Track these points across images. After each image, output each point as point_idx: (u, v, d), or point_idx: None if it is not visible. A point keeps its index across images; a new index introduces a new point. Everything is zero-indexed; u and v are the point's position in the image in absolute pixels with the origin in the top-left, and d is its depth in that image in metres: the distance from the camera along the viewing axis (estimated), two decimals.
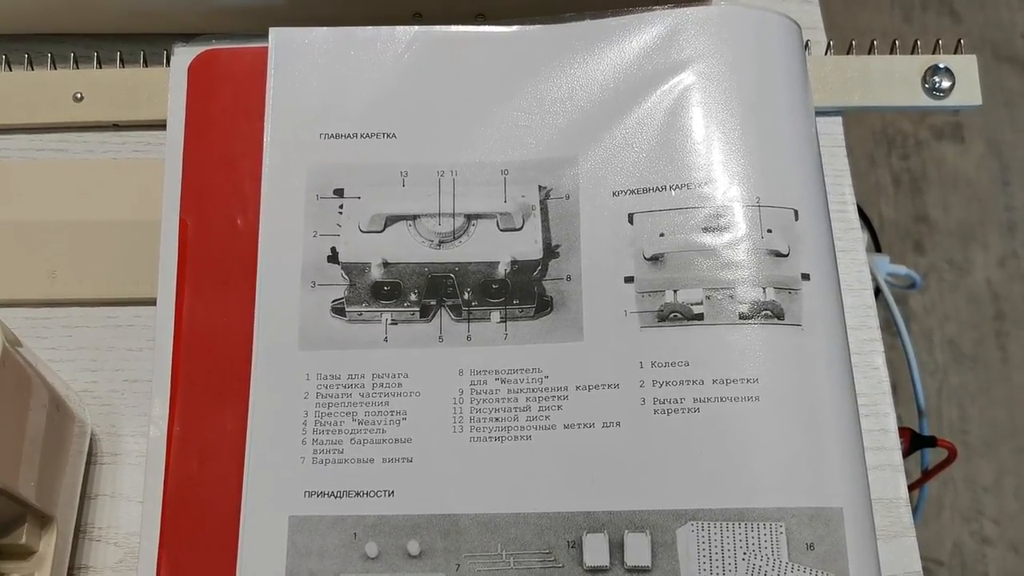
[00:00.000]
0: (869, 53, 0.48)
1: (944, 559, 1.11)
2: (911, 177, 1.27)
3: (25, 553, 0.36)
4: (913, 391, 0.54)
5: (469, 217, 0.40)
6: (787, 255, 0.37)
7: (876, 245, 0.50)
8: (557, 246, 0.39)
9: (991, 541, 1.12)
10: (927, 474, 0.57)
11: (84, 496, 0.40)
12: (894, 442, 0.41)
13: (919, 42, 0.48)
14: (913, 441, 0.51)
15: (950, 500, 1.13)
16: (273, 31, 0.41)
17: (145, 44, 0.48)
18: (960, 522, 1.12)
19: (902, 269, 0.55)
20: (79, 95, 0.47)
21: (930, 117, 1.29)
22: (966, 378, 1.18)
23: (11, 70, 0.48)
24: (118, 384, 0.43)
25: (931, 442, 0.52)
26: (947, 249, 1.24)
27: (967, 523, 1.12)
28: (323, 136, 0.40)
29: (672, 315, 0.37)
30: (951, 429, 1.14)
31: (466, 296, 0.39)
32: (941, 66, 0.47)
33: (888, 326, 0.45)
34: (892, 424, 0.41)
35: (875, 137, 1.29)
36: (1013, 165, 1.27)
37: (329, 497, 0.36)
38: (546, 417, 0.37)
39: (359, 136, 0.40)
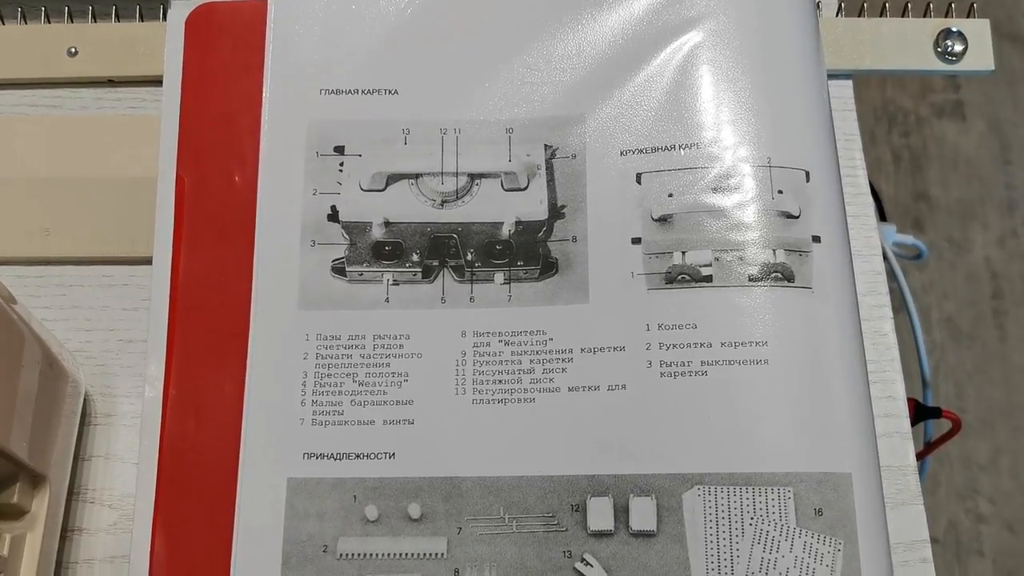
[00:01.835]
0: (880, 16, 0.47)
1: (939, 536, 1.11)
2: (911, 155, 1.26)
3: (17, 513, 0.35)
4: (918, 361, 0.53)
5: (472, 176, 0.39)
6: (798, 217, 0.37)
7: (882, 214, 0.49)
8: (563, 206, 0.38)
9: (986, 519, 1.12)
10: (930, 446, 0.57)
11: (78, 457, 0.40)
12: (902, 409, 0.40)
13: (932, 5, 0.47)
14: (917, 412, 0.51)
15: (946, 478, 1.13)
16: None
17: None
18: (955, 500, 1.12)
19: (909, 239, 0.55)
20: (73, 50, 0.46)
21: (931, 94, 1.28)
22: (963, 356, 1.18)
23: (3, 23, 0.47)
24: (113, 344, 0.42)
25: (936, 413, 0.52)
26: (946, 227, 1.23)
27: (962, 501, 1.12)
28: (323, 92, 0.39)
29: (680, 277, 0.36)
30: (948, 407, 1.14)
31: (469, 257, 0.38)
32: (954, 29, 0.46)
33: (892, 297, 0.44)
34: (900, 391, 0.41)
35: (876, 114, 1.28)
36: (1014, 144, 1.27)
37: (329, 459, 0.36)
38: (550, 379, 0.36)
39: (360, 92, 0.39)
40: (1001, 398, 1.16)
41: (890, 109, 1.28)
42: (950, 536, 1.11)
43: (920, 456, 0.56)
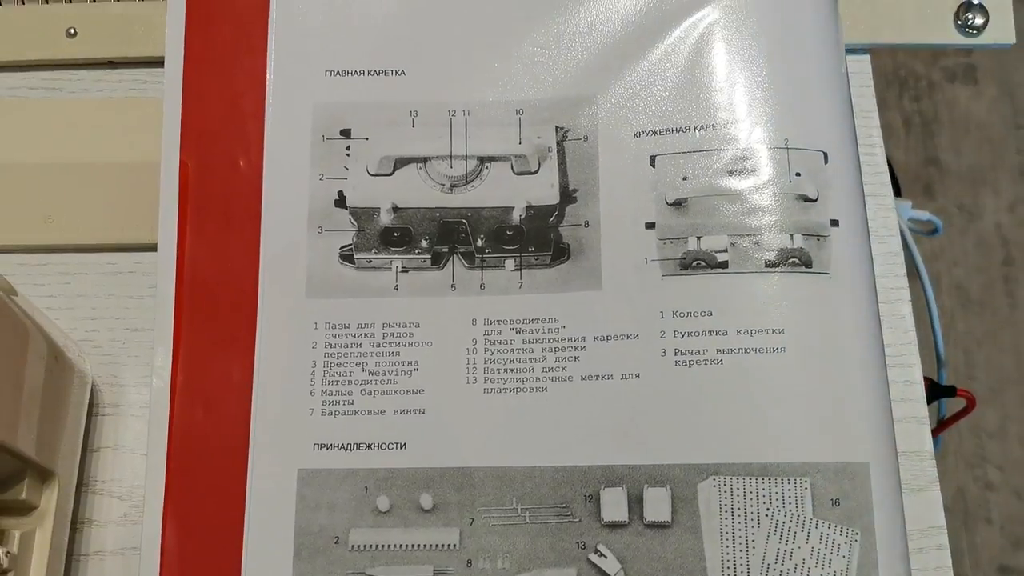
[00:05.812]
0: None
1: (947, 504, 1.11)
2: (923, 120, 1.25)
3: (26, 509, 0.35)
4: (933, 339, 0.52)
5: (482, 160, 0.38)
6: (816, 200, 0.36)
7: (896, 189, 0.48)
8: (575, 190, 0.37)
9: (994, 487, 1.12)
10: (943, 424, 0.57)
11: (86, 449, 0.39)
12: (919, 394, 0.40)
13: None
14: (932, 390, 0.50)
15: (954, 446, 1.13)
16: None
17: None
18: (964, 468, 1.12)
19: (924, 214, 0.54)
20: (72, 30, 0.45)
21: (943, 59, 1.27)
22: (973, 324, 1.17)
23: (1, 4, 0.45)
24: (119, 333, 0.41)
25: (950, 392, 0.51)
26: (957, 193, 1.22)
27: (971, 469, 1.12)
28: (329, 73, 0.39)
29: (695, 263, 0.36)
30: (957, 375, 1.13)
31: (479, 243, 0.37)
32: (975, 1, 0.45)
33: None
34: (918, 375, 0.40)
35: (887, 78, 1.26)
36: None
37: (339, 450, 0.35)
38: (563, 368, 0.36)
39: (366, 73, 0.39)
40: (1010, 366, 1.16)
41: (901, 74, 1.27)
42: (958, 504, 1.11)
43: (933, 434, 0.56)
